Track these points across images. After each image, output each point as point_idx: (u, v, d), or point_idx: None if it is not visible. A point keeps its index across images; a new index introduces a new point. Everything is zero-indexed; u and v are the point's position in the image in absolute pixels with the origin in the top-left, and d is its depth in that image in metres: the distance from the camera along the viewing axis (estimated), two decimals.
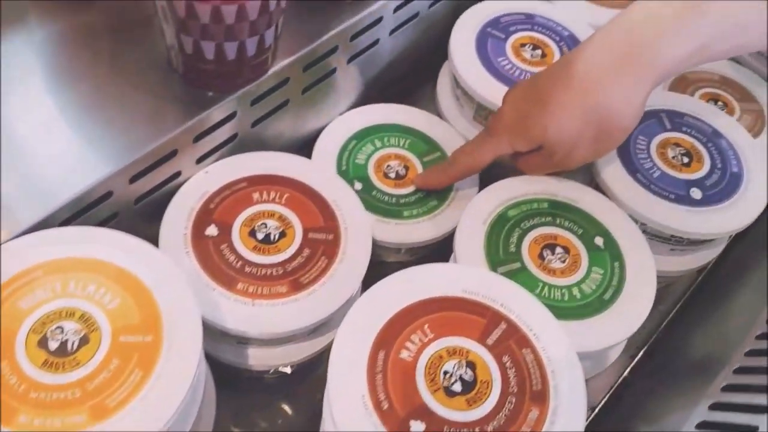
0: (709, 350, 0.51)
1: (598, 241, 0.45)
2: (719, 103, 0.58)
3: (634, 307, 0.42)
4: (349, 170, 0.50)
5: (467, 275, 0.37)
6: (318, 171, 0.45)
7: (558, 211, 0.46)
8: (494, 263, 0.43)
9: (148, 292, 0.33)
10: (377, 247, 0.48)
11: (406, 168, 0.51)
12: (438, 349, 0.34)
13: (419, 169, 0.51)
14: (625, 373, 0.53)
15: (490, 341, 0.35)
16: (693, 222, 0.46)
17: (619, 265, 0.44)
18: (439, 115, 0.55)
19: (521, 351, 0.35)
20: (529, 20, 0.54)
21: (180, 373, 0.31)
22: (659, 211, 0.46)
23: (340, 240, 0.42)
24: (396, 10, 0.50)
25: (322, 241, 0.42)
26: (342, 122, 0.52)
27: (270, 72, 0.43)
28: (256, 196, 0.43)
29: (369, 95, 0.56)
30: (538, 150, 0.44)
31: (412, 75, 0.59)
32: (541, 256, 0.44)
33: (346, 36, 0.47)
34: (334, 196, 0.44)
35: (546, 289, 0.42)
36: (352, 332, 0.34)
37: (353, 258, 0.42)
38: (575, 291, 0.43)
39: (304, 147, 0.51)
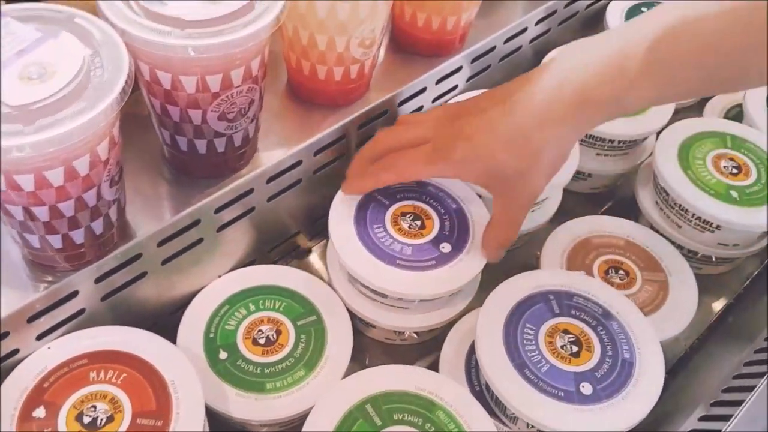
0: None
1: None
2: (620, 272, 0.55)
3: None
4: (216, 338, 0.49)
5: None
6: (163, 348, 0.44)
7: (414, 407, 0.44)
8: None
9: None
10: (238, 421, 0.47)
11: (278, 333, 0.50)
12: None
13: (292, 333, 0.50)
14: None
15: None
16: (580, 423, 0.44)
17: None
18: (328, 273, 0.54)
19: None
20: (419, 188, 0.53)
21: None
22: (545, 412, 0.44)
23: (168, 429, 0.41)
24: (269, 180, 0.50)
25: (150, 427, 0.41)
26: (217, 285, 0.51)
27: (117, 251, 0.43)
28: (92, 375, 0.43)
29: (256, 254, 0.56)
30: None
31: (304, 234, 0.59)
32: None
33: (209, 209, 0.47)
34: (173, 376, 0.43)
35: None
36: None
37: None
38: None
39: (181, 309, 0.50)
